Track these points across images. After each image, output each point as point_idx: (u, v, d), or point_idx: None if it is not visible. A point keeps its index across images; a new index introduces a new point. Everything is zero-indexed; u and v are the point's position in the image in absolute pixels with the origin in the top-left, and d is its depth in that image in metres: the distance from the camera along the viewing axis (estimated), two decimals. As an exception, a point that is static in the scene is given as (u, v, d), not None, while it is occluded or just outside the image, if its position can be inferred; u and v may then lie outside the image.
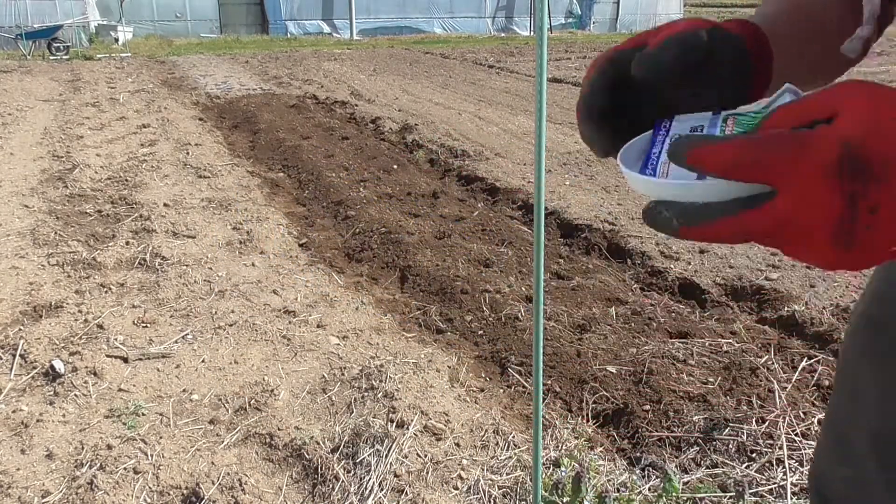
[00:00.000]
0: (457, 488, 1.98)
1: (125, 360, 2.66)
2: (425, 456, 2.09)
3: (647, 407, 2.29)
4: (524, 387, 2.47)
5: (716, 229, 0.46)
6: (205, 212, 4.40)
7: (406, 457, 2.07)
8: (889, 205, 0.41)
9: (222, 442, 2.19)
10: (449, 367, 2.59)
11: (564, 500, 1.86)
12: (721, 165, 0.45)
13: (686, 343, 2.67)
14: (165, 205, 4.48)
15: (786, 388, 2.35)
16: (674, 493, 1.87)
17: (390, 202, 4.58)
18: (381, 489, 1.95)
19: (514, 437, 2.18)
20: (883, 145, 0.41)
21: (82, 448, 2.15)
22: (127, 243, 3.81)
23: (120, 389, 2.47)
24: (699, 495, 1.90)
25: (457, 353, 2.71)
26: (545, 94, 1.26)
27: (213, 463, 2.09)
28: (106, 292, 3.23)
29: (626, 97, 0.60)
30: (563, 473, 1.95)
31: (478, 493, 1.95)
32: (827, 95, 0.44)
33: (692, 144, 0.46)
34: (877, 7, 0.63)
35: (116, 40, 15.75)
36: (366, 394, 2.40)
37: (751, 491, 1.91)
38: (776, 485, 1.97)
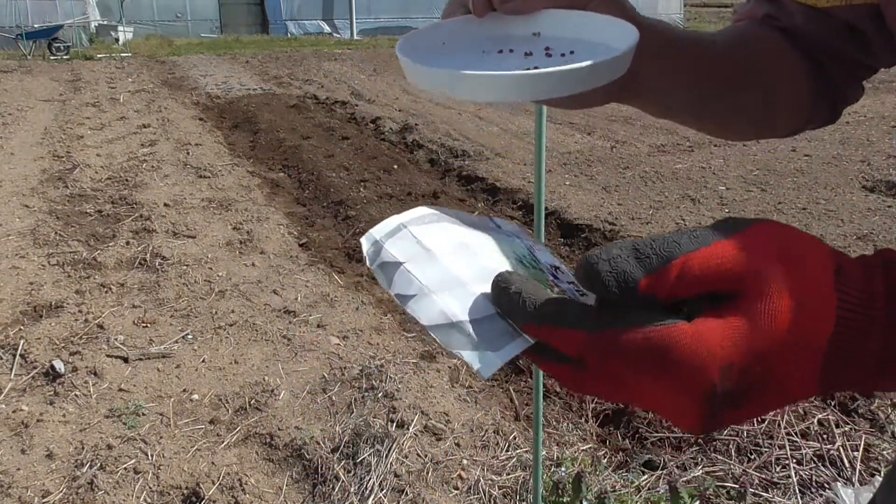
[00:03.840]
0: (457, 488, 1.98)
1: (125, 360, 2.66)
2: (425, 456, 2.09)
3: (648, 407, 2.29)
4: (524, 386, 2.47)
5: None
6: (205, 212, 4.40)
7: (406, 457, 2.07)
8: (750, 404, 0.35)
9: (222, 442, 2.19)
10: (449, 368, 2.59)
11: (565, 500, 1.86)
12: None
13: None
14: (166, 205, 4.48)
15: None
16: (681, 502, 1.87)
17: (391, 202, 4.58)
18: (382, 489, 1.95)
19: (514, 437, 2.18)
20: (762, 365, 0.33)
21: (82, 448, 2.15)
22: (127, 243, 3.81)
23: (120, 389, 2.47)
24: (699, 495, 1.90)
25: (457, 353, 2.71)
26: (545, 93, 1.26)
27: (213, 463, 2.09)
28: (106, 292, 3.24)
29: None
30: (564, 473, 1.95)
31: (478, 493, 1.95)
32: (738, 261, 0.34)
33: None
34: None
35: (117, 40, 15.76)
36: (366, 394, 2.40)
37: (751, 490, 1.90)
38: (777, 484, 1.97)
